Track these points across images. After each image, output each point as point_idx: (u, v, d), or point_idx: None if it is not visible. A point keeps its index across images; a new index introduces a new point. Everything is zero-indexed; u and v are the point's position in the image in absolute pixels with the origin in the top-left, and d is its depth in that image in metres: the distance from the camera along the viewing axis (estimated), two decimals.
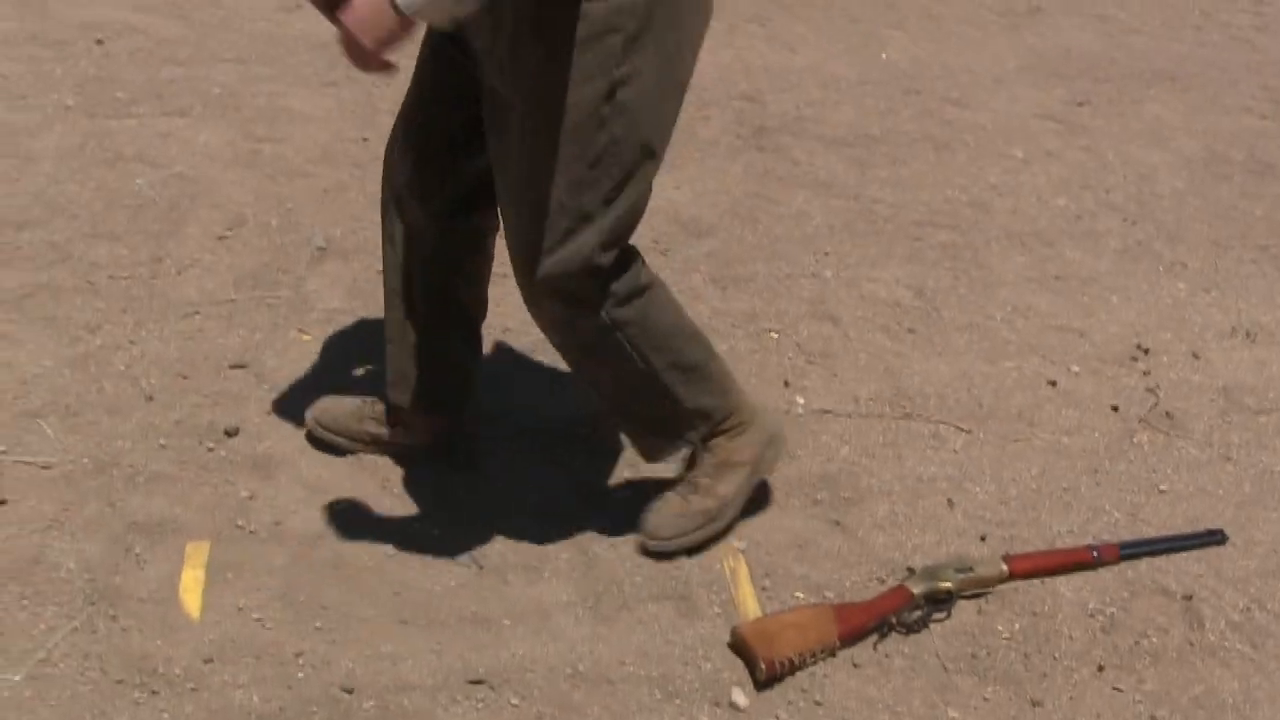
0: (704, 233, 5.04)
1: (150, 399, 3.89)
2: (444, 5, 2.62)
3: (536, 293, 3.11)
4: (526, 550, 3.43)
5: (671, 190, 5.30)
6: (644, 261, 3.19)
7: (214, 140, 5.46)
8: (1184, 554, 3.64)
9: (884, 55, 6.95)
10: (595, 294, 3.10)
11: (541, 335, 3.34)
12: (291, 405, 3.85)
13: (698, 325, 3.36)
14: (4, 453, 3.62)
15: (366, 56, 2.63)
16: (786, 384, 4.16)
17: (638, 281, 3.16)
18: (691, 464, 3.51)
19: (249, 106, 5.79)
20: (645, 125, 2.98)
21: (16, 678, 2.94)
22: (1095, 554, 3.53)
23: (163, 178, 5.12)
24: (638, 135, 2.98)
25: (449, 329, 3.56)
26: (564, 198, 2.97)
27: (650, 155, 3.03)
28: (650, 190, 3.09)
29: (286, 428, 3.79)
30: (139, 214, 4.85)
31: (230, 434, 3.76)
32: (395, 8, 2.55)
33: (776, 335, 4.41)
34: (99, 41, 6.35)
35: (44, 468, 3.59)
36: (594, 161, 2.95)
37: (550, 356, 3.92)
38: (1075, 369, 4.42)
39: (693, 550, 3.44)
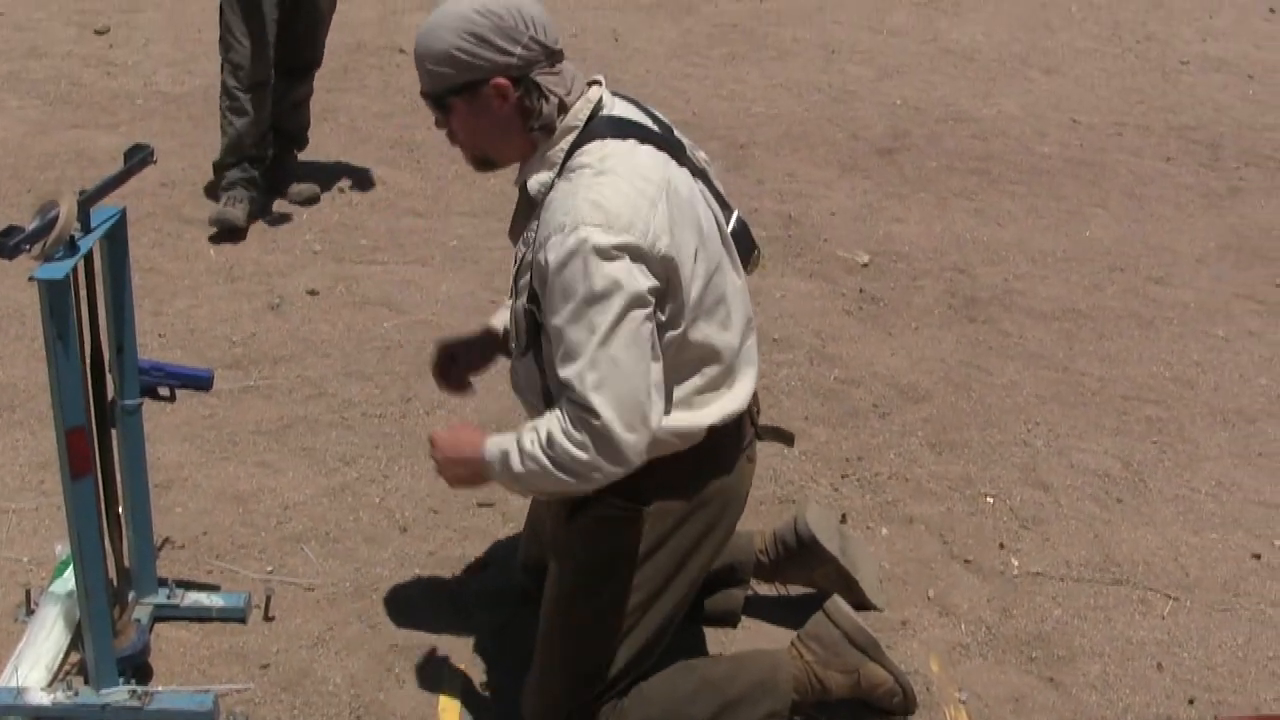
0: (921, 398, 5.24)
1: (404, 530, 4.18)
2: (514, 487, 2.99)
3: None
4: None
5: (889, 356, 5.53)
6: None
7: (454, 290, 5.79)
8: None
9: (1088, 232, 7.07)
10: None
11: None
12: None
13: (699, 677, 3.36)
14: (271, 573, 3.92)
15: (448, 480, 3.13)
16: (1001, 546, 4.33)
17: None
18: None
19: (486, 259, 6.11)
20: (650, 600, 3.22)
21: None
22: None
23: (408, 323, 5.45)
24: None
25: None
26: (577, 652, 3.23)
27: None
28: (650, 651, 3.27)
29: None
30: (387, 355, 5.18)
31: (481, 567, 4.02)
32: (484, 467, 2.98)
33: (991, 500, 4.58)
34: (342, 190, 6.71)
35: (308, 589, 3.89)
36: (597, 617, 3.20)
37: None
38: (1279, 543, 4.50)
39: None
